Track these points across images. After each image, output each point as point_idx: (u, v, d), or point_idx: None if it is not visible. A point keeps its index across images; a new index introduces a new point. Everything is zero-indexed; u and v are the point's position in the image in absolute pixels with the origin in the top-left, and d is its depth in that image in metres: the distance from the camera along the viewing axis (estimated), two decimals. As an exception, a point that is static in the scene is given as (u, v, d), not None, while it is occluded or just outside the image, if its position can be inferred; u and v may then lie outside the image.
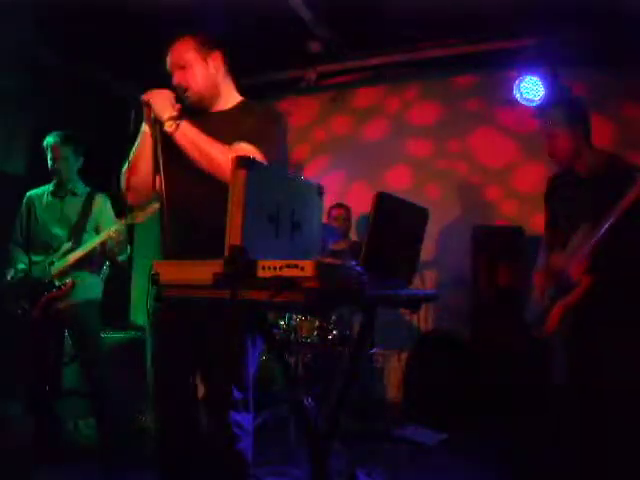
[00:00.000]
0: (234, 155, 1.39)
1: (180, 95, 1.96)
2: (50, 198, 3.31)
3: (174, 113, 1.88)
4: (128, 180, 1.99)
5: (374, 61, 4.75)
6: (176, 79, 2.01)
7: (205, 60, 2.03)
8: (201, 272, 1.38)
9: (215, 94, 2.06)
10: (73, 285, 3.11)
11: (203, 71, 2.03)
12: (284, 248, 1.46)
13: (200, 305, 1.79)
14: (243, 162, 1.38)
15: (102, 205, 3.29)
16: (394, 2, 3.84)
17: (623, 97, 4.23)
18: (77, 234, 3.19)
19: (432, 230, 1.90)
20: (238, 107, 2.09)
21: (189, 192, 1.90)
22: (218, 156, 1.82)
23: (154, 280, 1.48)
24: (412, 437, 3.71)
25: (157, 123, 1.87)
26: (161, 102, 1.88)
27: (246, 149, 1.84)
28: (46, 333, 3.16)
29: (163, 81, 2.00)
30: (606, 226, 2.38)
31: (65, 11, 3.79)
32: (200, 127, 1.93)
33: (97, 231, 3.21)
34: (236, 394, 1.94)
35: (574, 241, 2.56)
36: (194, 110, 2.02)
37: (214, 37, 2.09)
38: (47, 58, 4.39)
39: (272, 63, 4.79)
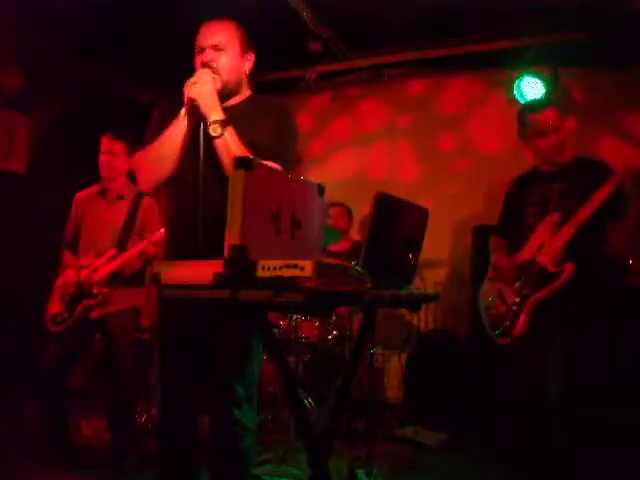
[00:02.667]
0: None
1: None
2: (97, 200, 3.19)
3: (221, 116, 1.83)
4: (146, 165, 1.97)
5: (374, 61, 4.75)
6: (207, 57, 1.94)
7: (243, 56, 2.02)
8: (201, 272, 1.38)
9: (235, 91, 2.03)
10: (108, 294, 3.02)
11: (238, 64, 2.00)
12: (284, 248, 1.46)
13: (204, 304, 1.79)
14: (243, 162, 1.38)
15: (149, 209, 3.16)
16: (394, 2, 3.84)
17: (622, 97, 4.23)
18: (122, 240, 3.08)
19: (432, 230, 1.90)
20: (248, 104, 2.06)
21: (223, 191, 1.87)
22: None
23: (155, 280, 1.48)
24: (412, 437, 3.71)
25: (203, 121, 1.83)
26: (209, 98, 1.83)
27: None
28: (78, 339, 3.06)
29: (164, 81, 1.99)
30: (586, 216, 2.36)
31: (66, 10, 3.79)
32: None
33: (141, 237, 3.11)
34: (240, 391, 1.93)
35: (539, 232, 2.51)
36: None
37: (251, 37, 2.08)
38: (48, 57, 4.39)
39: (272, 63, 4.78)
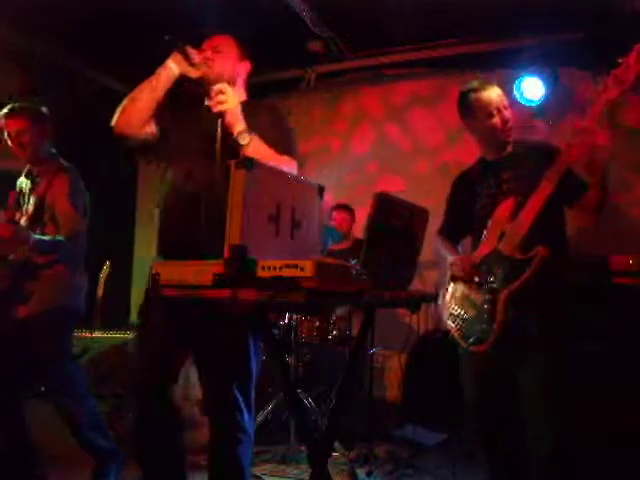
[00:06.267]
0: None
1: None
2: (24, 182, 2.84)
3: (245, 126, 1.93)
4: (127, 111, 2.02)
5: (374, 61, 4.75)
6: (208, 56, 2.07)
7: (239, 62, 2.18)
8: (201, 272, 1.38)
9: None
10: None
11: (233, 66, 2.15)
12: (284, 248, 1.46)
13: (200, 304, 1.79)
14: (243, 162, 1.38)
15: (56, 187, 2.69)
16: (394, 2, 3.84)
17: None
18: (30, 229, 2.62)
19: (432, 230, 1.90)
20: (245, 107, 2.09)
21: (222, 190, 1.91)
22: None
23: (154, 280, 1.48)
24: (412, 437, 3.71)
25: (227, 128, 1.92)
26: (235, 109, 1.93)
27: (287, 161, 1.98)
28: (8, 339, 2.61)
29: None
30: (544, 198, 2.11)
31: (65, 11, 3.80)
32: (198, 121, 2.06)
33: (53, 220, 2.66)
34: (238, 395, 1.93)
35: (496, 221, 2.28)
36: (196, 92, 2.11)
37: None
38: (46, 58, 4.39)
39: (272, 63, 4.79)
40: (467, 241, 2.64)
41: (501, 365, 2.26)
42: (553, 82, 4.18)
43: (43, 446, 2.73)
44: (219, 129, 1.91)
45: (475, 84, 2.40)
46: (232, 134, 1.92)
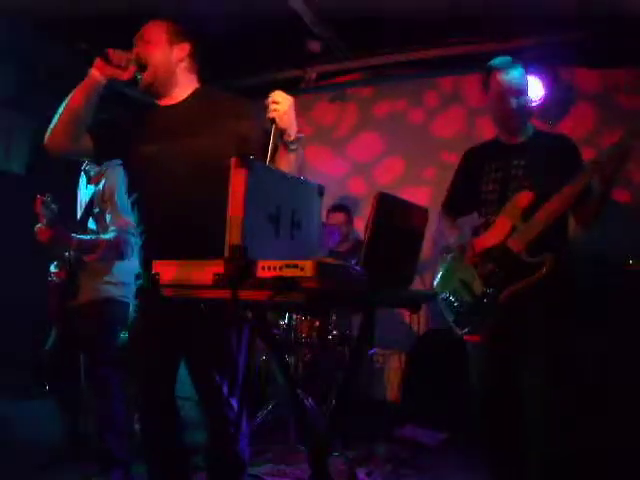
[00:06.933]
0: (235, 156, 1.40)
1: (137, 68, 1.99)
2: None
3: (296, 131, 1.90)
4: (54, 128, 1.96)
5: (374, 61, 4.75)
6: (136, 50, 2.01)
7: (171, 46, 2.04)
8: (201, 272, 1.38)
9: (168, 82, 2.04)
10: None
11: (164, 54, 2.03)
12: (284, 248, 1.46)
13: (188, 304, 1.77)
14: (243, 162, 1.38)
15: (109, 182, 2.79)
16: (394, 2, 3.84)
17: (623, 97, 4.23)
18: (82, 223, 2.82)
19: (432, 230, 1.90)
20: (201, 99, 2.07)
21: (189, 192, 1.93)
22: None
23: (154, 280, 1.48)
24: (412, 437, 3.71)
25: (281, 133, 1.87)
26: (291, 113, 1.86)
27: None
28: (66, 332, 2.82)
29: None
30: (567, 205, 2.13)
31: (66, 10, 3.79)
32: (156, 122, 2.00)
33: (103, 213, 2.79)
34: (227, 391, 1.93)
35: (508, 213, 2.24)
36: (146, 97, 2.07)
37: (189, 31, 2.11)
38: (47, 57, 4.39)
39: (272, 63, 4.79)
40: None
41: (503, 365, 2.28)
42: (553, 82, 4.18)
43: (46, 444, 2.76)
44: (272, 133, 1.85)
45: (497, 62, 2.40)
46: (283, 137, 1.87)
